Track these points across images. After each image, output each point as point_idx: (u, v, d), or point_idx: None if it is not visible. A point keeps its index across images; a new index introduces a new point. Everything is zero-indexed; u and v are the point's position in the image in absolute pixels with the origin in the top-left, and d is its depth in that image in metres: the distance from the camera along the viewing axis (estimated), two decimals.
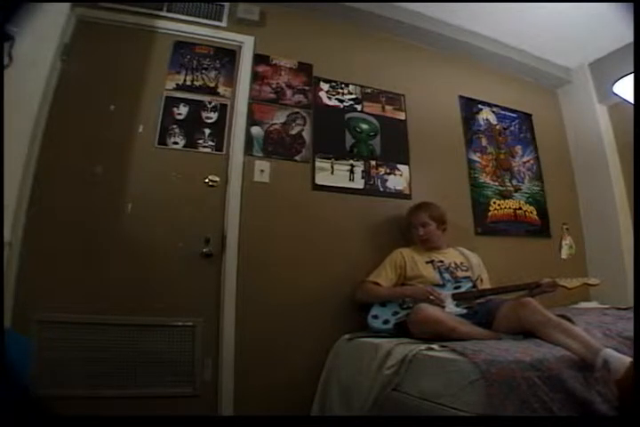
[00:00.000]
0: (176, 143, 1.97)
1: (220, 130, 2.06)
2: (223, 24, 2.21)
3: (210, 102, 2.09)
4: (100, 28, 1.98)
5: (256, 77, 2.21)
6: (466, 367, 1.20)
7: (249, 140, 2.08)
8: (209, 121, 2.06)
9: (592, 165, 2.90)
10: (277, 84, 2.25)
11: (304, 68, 2.33)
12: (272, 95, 2.22)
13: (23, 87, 1.54)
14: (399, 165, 2.38)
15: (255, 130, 2.12)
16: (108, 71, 1.95)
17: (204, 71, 2.13)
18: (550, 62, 3.02)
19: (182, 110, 2.03)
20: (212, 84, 2.12)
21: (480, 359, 1.19)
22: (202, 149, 2.01)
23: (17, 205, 1.58)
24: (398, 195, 2.32)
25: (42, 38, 1.65)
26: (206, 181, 1.95)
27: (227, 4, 2.24)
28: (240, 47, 2.22)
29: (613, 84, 2.36)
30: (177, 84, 2.06)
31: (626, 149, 2.74)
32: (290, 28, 2.38)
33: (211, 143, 2.03)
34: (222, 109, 2.10)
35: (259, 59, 2.24)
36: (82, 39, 1.92)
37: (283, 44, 2.33)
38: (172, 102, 2.02)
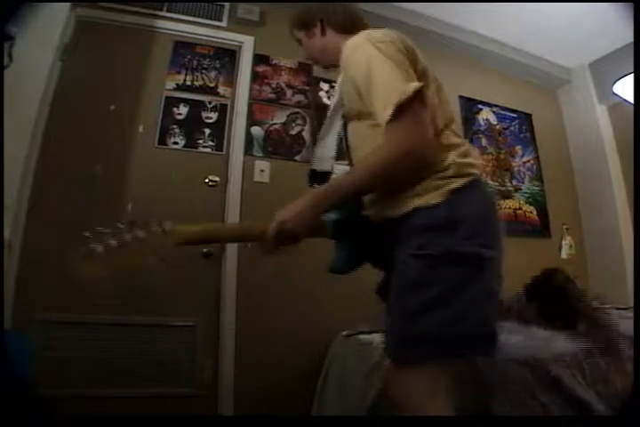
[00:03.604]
0: (176, 143, 1.97)
1: (220, 130, 2.06)
2: (223, 24, 2.21)
3: (210, 102, 2.09)
4: (100, 28, 1.98)
5: (256, 77, 2.21)
6: (464, 368, 1.20)
7: (249, 140, 2.08)
8: (209, 121, 2.06)
9: (592, 165, 2.89)
10: (277, 84, 2.25)
11: (304, 68, 2.33)
12: (272, 95, 2.21)
13: (23, 87, 1.54)
14: None
15: (255, 130, 2.12)
16: (107, 71, 1.95)
17: (204, 71, 2.13)
18: (550, 62, 3.02)
19: (182, 110, 2.03)
20: (212, 84, 2.12)
21: (479, 360, 1.19)
22: (202, 149, 2.01)
23: (17, 205, 1.58)
24: None
25: (42, 38, 1.65)
26: (206, 181, 1.95)
27: (227, 4, 2.24)
28: (240, 47, 2.22)
29: (613, 84, 2.36)
30: (177, 84, 2.06)
31: (626, 149, 2.74)
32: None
33: (211, 143, 2.03)
34: (222, 109, 2.10)
35: (259, 59, 2.24)
36: (82, 39, 1.92)
37: (283, 44, 2.32)
38: (172, 102, 2.02)
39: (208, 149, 2.02)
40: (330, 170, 1.07)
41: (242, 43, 2.22)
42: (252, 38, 2.24)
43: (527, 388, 1.15)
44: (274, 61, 2.27)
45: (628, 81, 2.25)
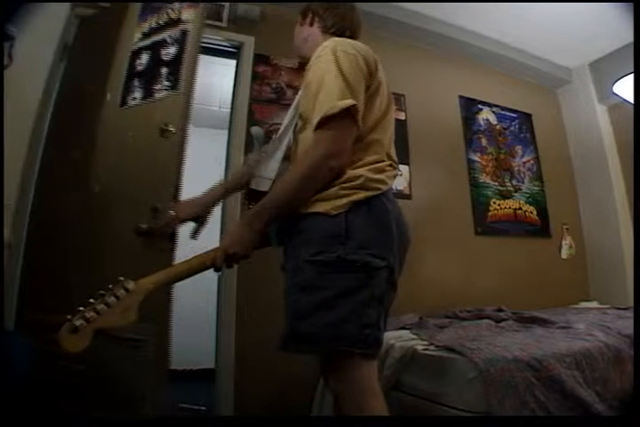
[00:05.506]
0: (134, 99, 1.62)
1: (177, 64, 1.57)
2: (223, 24, 2.21)
3: (171, 36, 1.65)
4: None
5: (256, 77, 2.21)
6: (464, 366, 1.21)
7: (249, 139, 2.08)
8: (167, 58, 1.62)
9: (592, 165, 2.90)
10: (277, 84, 2.25)
11: (304, 68, 2.32)
12: (272, 95, 2.21)
13: (23, 87, 1.54)
14: (399, 165, 2.37)
15: (255, 130, 2.11)
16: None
17: (168, 6, 1.71)
18: (550, 62, 3.02)
19: (143, 59, 1.68)
20: (176, 16, 1.67)
21: (479, 358, 1.19)
22: (157, 96, 1.57)
23: (17, 206, 1.58)
24: (398, 195, 2.32)
25: (42, 38, 1.65)
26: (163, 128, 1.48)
27: (227, 4, 2.24)
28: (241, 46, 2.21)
29: (613, 84, 2.36)
30: (143, 34, 1.71)
31: (626, 149, 2.74)
32: (290, 28, 2.37)
33: (167, 83, 1.58)
34: (183, 37, 1.61)
35: (259, 59, 2.24)
36: (82, 39, 1.91)
37: (283, 45, 2.32)
38: (136, 56, 1.69)
39: (164, 93, 1.56)
40: (267, 191, 1.06)
41: (242, 43, 2.22)
42: (252, 38, 2.24)
43: (527, 388, 1.15)
44: (274, 61, 2.27)
45: (628, 81, 2.25)
